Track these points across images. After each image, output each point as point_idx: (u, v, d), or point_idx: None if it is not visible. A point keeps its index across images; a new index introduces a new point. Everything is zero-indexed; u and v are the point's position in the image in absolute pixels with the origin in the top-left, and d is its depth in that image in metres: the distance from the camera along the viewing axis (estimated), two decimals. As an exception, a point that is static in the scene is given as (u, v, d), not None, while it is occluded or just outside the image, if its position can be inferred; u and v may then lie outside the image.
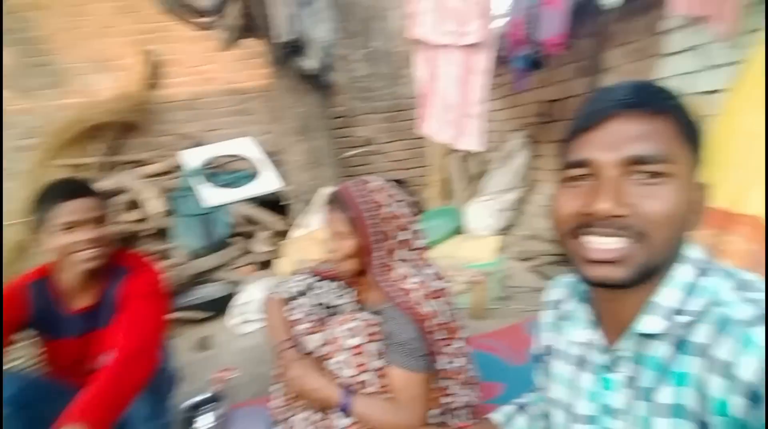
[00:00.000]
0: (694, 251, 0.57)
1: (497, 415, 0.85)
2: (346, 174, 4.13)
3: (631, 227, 0.50)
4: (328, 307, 1.30)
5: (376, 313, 1.13)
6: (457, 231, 3.65)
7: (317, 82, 3.29)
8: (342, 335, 1.07)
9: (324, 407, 1.09)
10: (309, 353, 1.17)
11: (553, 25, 2.29)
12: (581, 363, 0.67)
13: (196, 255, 3.13)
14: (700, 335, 0.52)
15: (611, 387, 0.61)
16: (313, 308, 1.28)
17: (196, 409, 1.59)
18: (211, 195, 3.31)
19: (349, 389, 1.05)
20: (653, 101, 0.51)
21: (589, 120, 0.53)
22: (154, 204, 3.17)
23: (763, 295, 0.50)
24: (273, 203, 3.51)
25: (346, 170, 4.20)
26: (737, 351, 0.46)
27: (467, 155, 4.16)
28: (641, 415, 0.57)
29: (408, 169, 4.78)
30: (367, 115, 4.48)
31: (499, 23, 2.69)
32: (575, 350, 0.69)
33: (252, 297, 2.53)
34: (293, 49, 2.94)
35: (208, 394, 1.65)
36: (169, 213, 3.22)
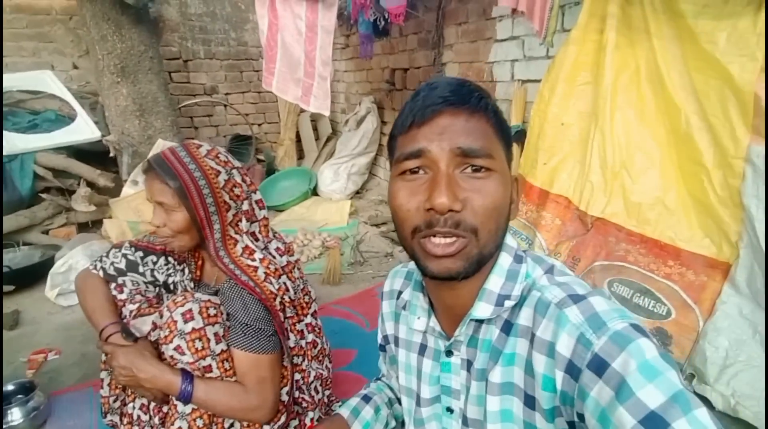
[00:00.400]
0: (509, 239, 0.63)
1: (344, 410, 0.86)
2: (184, 125, 3.79)
3: (464, 222, 0.54)
4: (158, 286, 1.19)
5: (216, 292, 1.06)
6: (310, 193, 3.67)
7: (141, 15, 2.85)
8: (178, 318, 0.96)
9: (162, 396, 1.00)
10: (144, 337, 1.07)
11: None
12: (423, 350, 0.72)
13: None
14: (523, 318, 0.58)
15: (450, 370, 0.67)
16: (142, 286, 1.19)
17: (6, 400, 1.42)
18: (8, 140, 2.70)
19: (190, 375, 0.96)
20: (472, 100, 0.56)
21: (418, 115, 0.56)
22: None
23: (566, 278, 0.59)
24: (96, 154, 3.05)
25: (184, 121, 3.84)
26: (555, 331, 0.52)
27: (317, 116, 4.13)
28: (476, 394, 0.62)
29: (257, 124, 4.53)
30: (207, 61, 4.07)
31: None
32: (417, 338, 0.73)
33: (75, 264, 2.24)
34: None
35: (19, 382, 1.48)
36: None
